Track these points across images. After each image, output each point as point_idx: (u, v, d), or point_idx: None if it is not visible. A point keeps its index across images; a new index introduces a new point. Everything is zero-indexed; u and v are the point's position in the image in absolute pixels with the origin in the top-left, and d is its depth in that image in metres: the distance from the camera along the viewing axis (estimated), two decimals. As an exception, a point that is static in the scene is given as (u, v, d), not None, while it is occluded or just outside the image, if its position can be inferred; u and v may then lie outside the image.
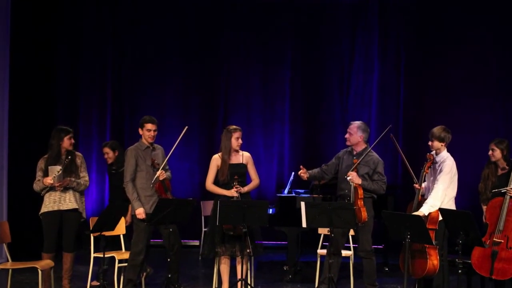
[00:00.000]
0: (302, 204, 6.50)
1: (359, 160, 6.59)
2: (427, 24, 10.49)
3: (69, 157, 6.84)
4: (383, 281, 7.76)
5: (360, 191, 6.49)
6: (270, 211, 8.00)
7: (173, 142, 6.79)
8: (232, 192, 6.73)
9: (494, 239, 6.22)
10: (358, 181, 6.51)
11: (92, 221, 6.82)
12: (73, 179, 6.81)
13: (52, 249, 6.83)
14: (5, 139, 9.05)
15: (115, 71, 10.95)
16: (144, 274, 7.24)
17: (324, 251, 7.07)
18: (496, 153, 6.66)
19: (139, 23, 10.93)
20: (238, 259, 6.72)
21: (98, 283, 7.10)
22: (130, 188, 6.74)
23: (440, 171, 6.36)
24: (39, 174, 6.84)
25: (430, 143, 6.53)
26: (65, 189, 6.80)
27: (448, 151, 6.52)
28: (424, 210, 6.22)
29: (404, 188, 9.37)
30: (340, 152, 6.95)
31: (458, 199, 6.55)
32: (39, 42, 10.12)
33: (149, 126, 6.82)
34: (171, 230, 6.60)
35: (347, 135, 6.85)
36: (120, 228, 7.15)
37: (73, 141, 6.97)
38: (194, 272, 8.71)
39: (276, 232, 8.24)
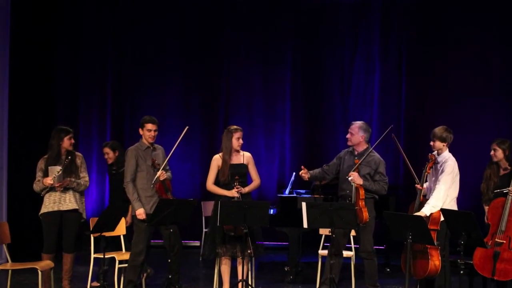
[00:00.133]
0: (303, 204, 6.47)
1: (361, 161, 6.56)
2: (428, 24, 10.47)
3: (69, 157, 6.83)
4: (384, 282, 7.72)
5: (362, 192, 6.47)
6: (271, 211, 7.98)
7: (173, 142, 6.77)
8: (233, 193, 6.70)
9: (496, 239, 6.20)
10: (360, 181, 6.48)
11: (92, 222, 6.81)
12: (73, 179, 6.79)
13: (52, 249, 6.82)
14: (5, 139, 9.04)
15: (115, 71, 10.94)
16: (145, 274, 7.23)
17: (325, 252, 7.05)
18: (498, 153, 6.65)
19: (139, 23, 10.92)
20: (239, 260, 6.71)
21: (98, 284, 7.10)
22: (130, 189, 6.72)
23: (442, 171, 6.34)
24: (39, 174, 6.82)
25: (431, 143, 6.51)
26: (65, 189, 6.78)
27: (449, 151, 6.50)
28: (425, 211, 6.20)
29: (405, 188, 9.36)
30: (342, 152, 6.93)
31: (459, 199, 6.53)
32: (39, 42, 10.11)
33: (149, 126, 6.80)
34: (171, 230, 6.57)
35: (348, 135, 6.82)
36: (121, 229, 7.14)
37: (73, 141, 6.96)
38: (195, 273, 8.70)
39: (277, 232, 8.21)
